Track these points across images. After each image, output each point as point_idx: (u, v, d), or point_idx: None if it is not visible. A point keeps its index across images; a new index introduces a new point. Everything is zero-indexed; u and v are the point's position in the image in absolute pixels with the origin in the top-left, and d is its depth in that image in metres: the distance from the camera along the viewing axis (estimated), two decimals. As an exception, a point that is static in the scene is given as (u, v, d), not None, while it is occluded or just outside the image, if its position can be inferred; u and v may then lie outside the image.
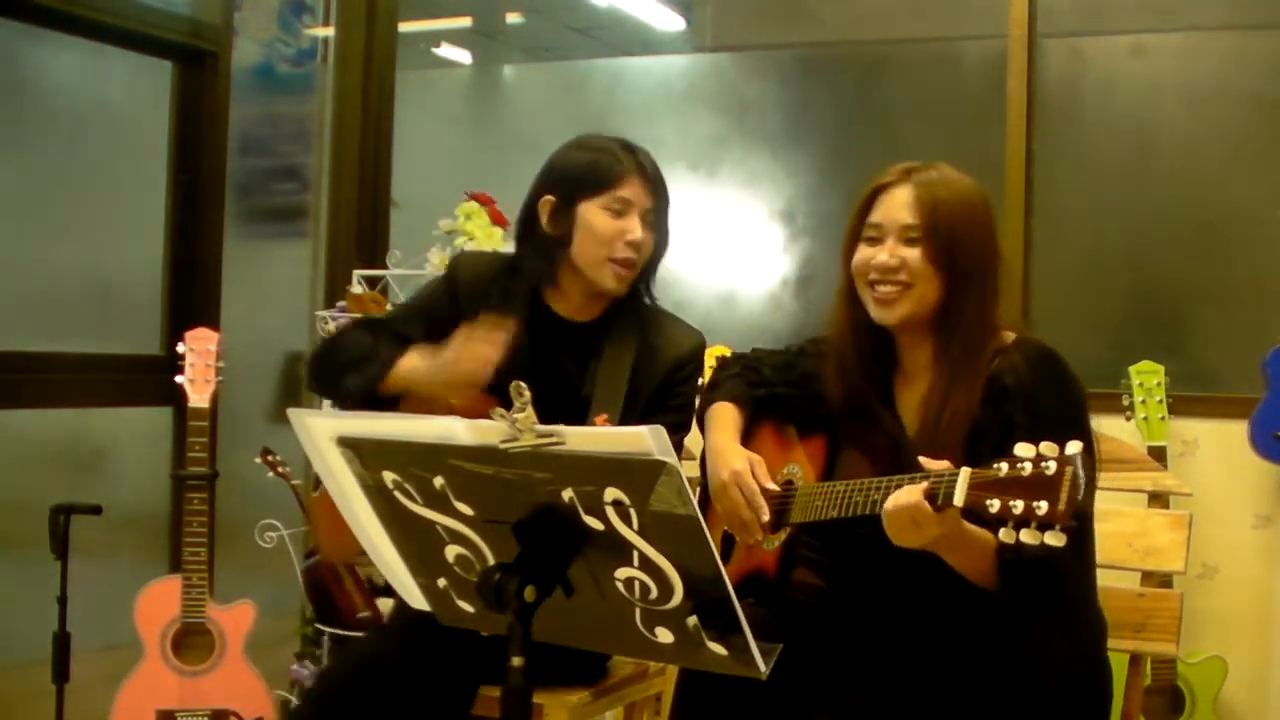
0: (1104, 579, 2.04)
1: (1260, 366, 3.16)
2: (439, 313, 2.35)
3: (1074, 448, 1.51)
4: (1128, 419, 3.26)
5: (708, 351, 3.47)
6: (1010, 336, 1.92)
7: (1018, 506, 1.51)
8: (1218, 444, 3.34)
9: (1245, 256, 3.52)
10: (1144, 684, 2.25)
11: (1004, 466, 1.54)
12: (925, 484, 1.63)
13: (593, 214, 2.26)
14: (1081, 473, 1.50)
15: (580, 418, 2.18)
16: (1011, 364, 1.85)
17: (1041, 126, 3.64)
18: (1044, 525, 1.51)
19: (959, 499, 1.57)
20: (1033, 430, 1.58)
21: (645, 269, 2.35)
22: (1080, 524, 1.71)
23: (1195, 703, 3.21)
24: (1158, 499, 2.63)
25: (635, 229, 2.26)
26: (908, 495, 1.64)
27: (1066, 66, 3.70)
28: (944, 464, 1.65)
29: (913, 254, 1.88)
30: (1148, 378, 3.27)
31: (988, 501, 1.54)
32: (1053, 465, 1.50)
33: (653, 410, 2.30)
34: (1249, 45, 3.61)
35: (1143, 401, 3.26)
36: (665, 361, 2.31)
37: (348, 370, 2.26)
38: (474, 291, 2.35)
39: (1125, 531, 2.16)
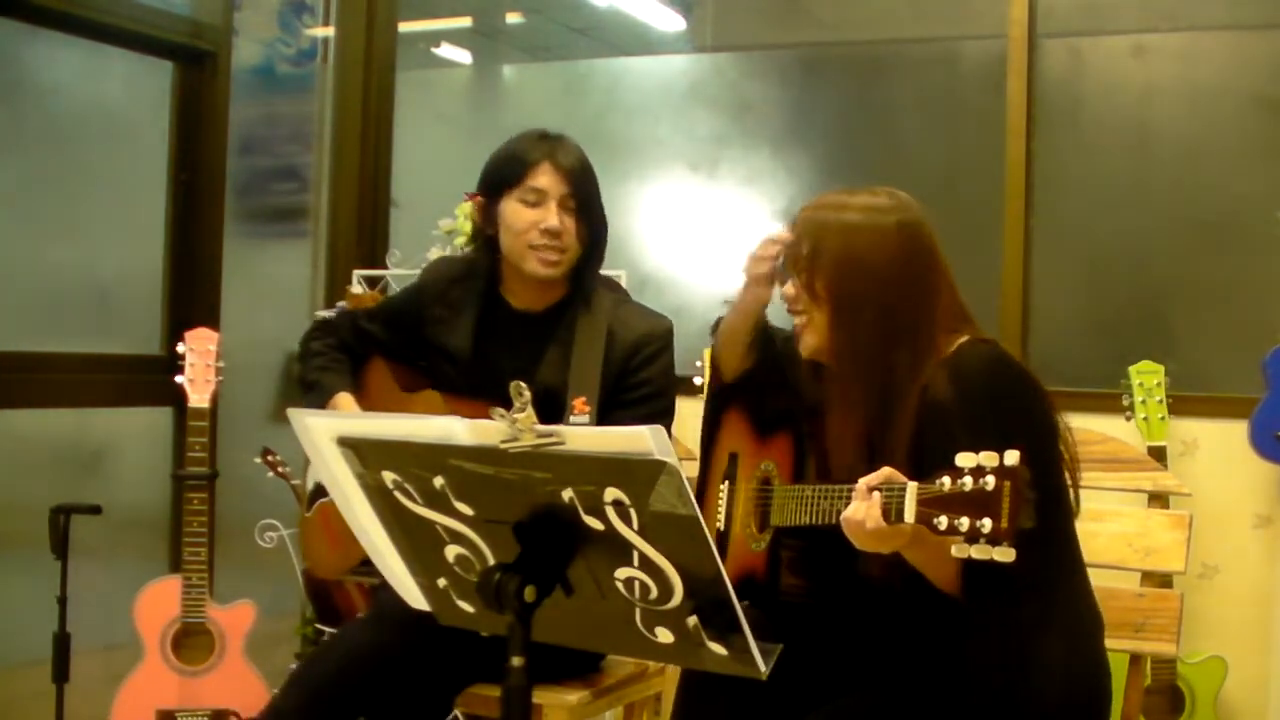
0: (1104, 579, 2.04)
1: (1260, 366, 3.16)
2: (404, 311, 2.52)
3: (1012, 458, 1.49)
4: (1128, 419, 3.26)
5: (707, 352, 3.50)
6: (955, 343, 1.87)
7: (963, 524, 1.50)
8: (1218, 444, 3.34)
9: (1245, 256, 3.52)
10: (1144, 684, 2.25)
11: (946, 481, 1.53)
12: (879, 499, 1.61)
13: (510, 208, 2.35)
14: (1023, 486, 1.48)
15: (539, 406, 2.21)
16: (939, 381, 1.81)
17: (1041, 127, 3.64)
18: (992, 541, 1.50)
19: (909, 515, 1.57)
20: (974, 439, 1.55)
21: (588, 255, 2.40)
22: (1050, 516, 1.71)
23: (1195, 703, 3.21)
24: (1158, 499, 2.63)
25: (549, 216, 2.32)
26: (862, 508, 1.62)
27: (1066, 66, 3.70)
28: (885, 472, 1.62)
29: (798, 281, 1.91)
30: (1148, 378, 3.27)
31: (935, 520, 1.53)
32: (991, 481, 1.49)
33: (615, 398, 2.32)
34: (1249, 45, 3.61)
35: (1143, 401, 3.26)
36: (622, 346, 2.35)
37: (305, 391, 2.49)
38: (436, 291, 2.48)
39: (1125, 531, 2.16)
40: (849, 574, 1.90)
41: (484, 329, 2.42)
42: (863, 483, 1.63)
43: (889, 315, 1.84)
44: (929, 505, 1.54)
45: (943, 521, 1.52)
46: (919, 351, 1.84)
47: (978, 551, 1.50)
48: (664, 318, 2.42)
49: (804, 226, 1.91)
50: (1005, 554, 1.49)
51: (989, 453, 1.51)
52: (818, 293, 1.88)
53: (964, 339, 1.87)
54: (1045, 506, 1.69)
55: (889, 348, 1.84)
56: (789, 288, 1.94)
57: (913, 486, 1.57)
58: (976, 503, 1.50)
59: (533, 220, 2.31)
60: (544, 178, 2.32)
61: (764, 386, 2.15)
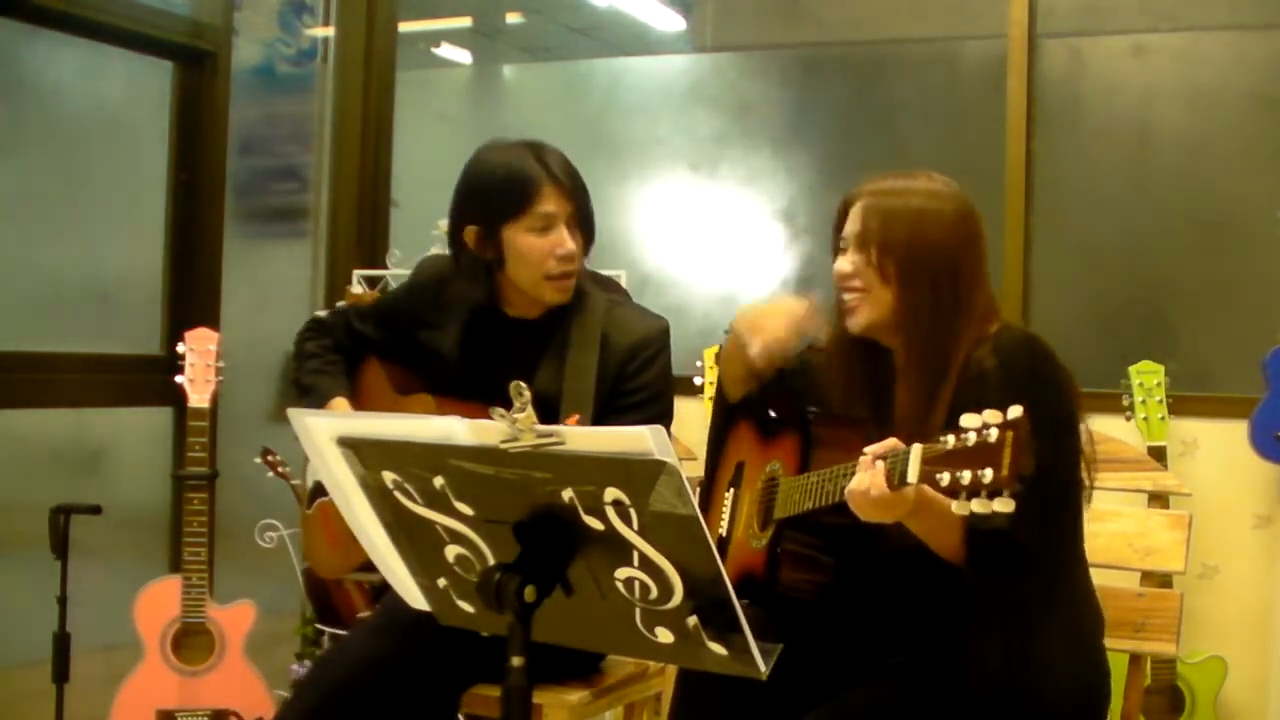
0: (1104, 579, 2.04)
1: (1260, 366, 3.16)
2: (396, 311, 2.48)
3: (1015, 412, 1.51)
4: (1128, 419, 3.26)
5: (707, 352, 3.50)
6: (993, 328, 1.92)
7: (965, 477, 1.52)
8: (1218, 444, 3.34)
9: (1245, 256, 3.52)
10: (1144, 684, 2.25)
11: (950, 439, 1.55)
12: (883, 464, 1.64)
13: (519, 238, 2.26)
14: (1024, 435, 1.49)
15: (537, 413, 2.22)
16: (982, 355, 1.86)
17: (1041, 126, 3.64)
18: (992, 493, 1.51)
19: (912, 475, 1.58)
20: (1005, 399, 1.58)
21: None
22: (1054, 496, 1.72)
23: (1195, 703, 3.21)
24: (1158, 499, 2.63)
25: (564, 241, 2.26)
26: (866, 479, 1.65)
27: (1066, 66, 3.70)
28: (890, 442, 1.65)
29: (860, 259, 1.94)
30: (1148, 378, 3.27)
31: (938, 475, 1.55)
32: (994, 432, 1.50)
33: (612, 403, 2.30)
34: (1249, 45, 3.61)
35: (1143, 401, 3.26)
36: (618, 351, 2.32)
37: (301, 394, 2.48)
38: (428, 292, 2.44)
39: (1125, 531, 2.16)
40: (857, 564, 1.90)
41: (478, 336, 2.38)
42: (869, 451, 1.66)
43: (952, 293, 1.90)
44: (933, 464, 1.56)
45: (945, 477, 1.54)
46: (963, 327, 1.90)
47: (979, 505, 1.51)
48: (659, 318, 2.39)
49: (873, 207, 1.94)
50: (1005, 504, 1.50)
51: (993, 410, 1.52)
52: (887, 270, 1.91)
53: (1003, 324, 1.94)
54: (1056, 489, 1.70)
55: (950, 321, 1.90)
56: (846, 264, 1.96)
57: (917, 447, 1.59)
58: (979, 454, 1.51)
59: (548, 249, 2.25)
60: (550, 202, 2.24)
61: (768, 399, 2.15)
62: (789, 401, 2.10)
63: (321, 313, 2.66)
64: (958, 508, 1.53)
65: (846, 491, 1.68)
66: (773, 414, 2.12)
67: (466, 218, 2.31)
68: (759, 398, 2.17)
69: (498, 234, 2.27)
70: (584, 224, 2.31)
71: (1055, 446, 1.53)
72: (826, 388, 2.05)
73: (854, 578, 1.94)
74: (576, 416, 2.24)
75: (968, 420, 1.54)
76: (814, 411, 2.02)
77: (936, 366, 1.88)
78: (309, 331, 2.56)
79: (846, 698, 1.90)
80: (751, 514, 2.10)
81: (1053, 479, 1.55)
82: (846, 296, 1.97)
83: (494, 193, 2.27)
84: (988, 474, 1.50)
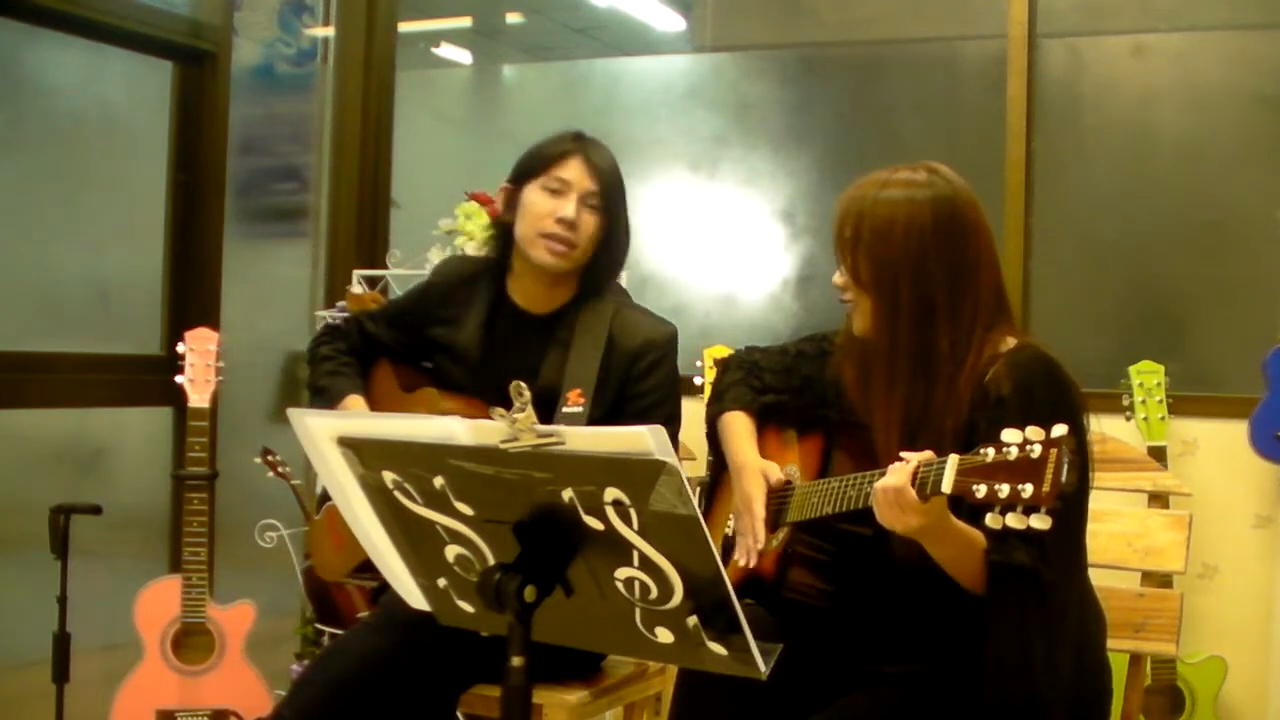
0: (1104, 579, 2.04)
1: (1260, 366, 3.16)
2: (408, 311, 2.54)
3: (1059, 430, 1.51)
4: (1128, 419, 3.26)
5: (707, 352, 3.50)
6: (1010, 343, 1.89)
7: (1003, 490, 1.52)
8: (1218, 444, 3.34)
9: (1245, 256, 3.52)
10: (1144, 684, 2.25)
11: (990, 452, 1.55)
12: (913, 465, 1.64)
13: (533, 193, 2.35)
14: (1067, 455, 1.50)
15: (539, 405, 2.23)
16: (999, 373, 1.83)
17: (1041, 126, 3.64)
18: (1029, 509, 1.51)
19: (947, 485, 1.58)
20: (1024, 424, 1.58)
21: (603, 260, 2.39)
22: (1072, 521, 1.72)
23: (1195, 703, 3.21)
24: (1158, 499, 2.63)
25: (567, 208, 2.31)
26: (895, 478, 1.65)
27: (1066, 66, 3.70)
28: (928, 454, 1.65)
29: (843, 267, 1.92)
30: (1148, 378, 3.27)
31: (974, 487, 1.55)
32: (1038, 449, 1.51)
33: (622, 408, 2.33)
34: (1249, 45, 3.61)
35: (1143, 401, 3.26)
36: (623, 354, 2.35)
37: (314, 396, 2.50)
38: (442, 291, 2.49)
39: (1125, 531, 2.16)
40: (867, 572, 1.90)
41: (489, 329, 2.42)
42: (905, 455, 1.66)
43: (927, 294, 1.84)
44: (969, 474, 1.56)
45: (982, 489, 1.54)
46: (961, 332, 1.84)
47: (1014, 520, 1.51)
48: (666, 324, 2.41)
49: (845, 209, 1.91)
50: (1042, 521, 1.50)
51: (1035, 428, 1.52)
52: (861, 277, 1.88)
53: (1020, 340, 1.88)
54: (1076, 519, 1.70)
55: (928, 326, 1.85)
56: (838, 276, 1.94)
57: (954, 457, 1.59)
58: (1019, 470, 1.51)
59: (550, 209, 2.31)
60: (571, 171, 2.33)
61: (787, 407, 2.15)
62: (814, 405, 2.09)
63: (328, 313, 2.67)
64: (991, 520, 1.53)
65: (875, 487, 1.67)
66: (800, 420, 2.11)
67: (507, 181, 2.42)
68: (785, 407, 2.16)
69: (520, 191, 2.37)
70: (605, 214, 2.35)
71: (1078, 478, 1.53)
72: (844, 391, 2.04)
73: (861, 585, 1.94)
74: (578, 390, 2.26)
75: (1009, 435, 1.54)
76: (837, 417, 2.01)
77: (917, 374, 1.85)
78: (322, 337, 2.58)
79: (849, 703, 1.89)
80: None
81: (1074, 509, 1.56)
82: (845, 305, 1.96)
83: (530, 155, 2.39)
84: (1027, 489, 1.50)
